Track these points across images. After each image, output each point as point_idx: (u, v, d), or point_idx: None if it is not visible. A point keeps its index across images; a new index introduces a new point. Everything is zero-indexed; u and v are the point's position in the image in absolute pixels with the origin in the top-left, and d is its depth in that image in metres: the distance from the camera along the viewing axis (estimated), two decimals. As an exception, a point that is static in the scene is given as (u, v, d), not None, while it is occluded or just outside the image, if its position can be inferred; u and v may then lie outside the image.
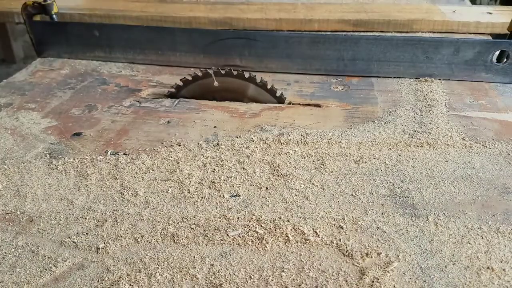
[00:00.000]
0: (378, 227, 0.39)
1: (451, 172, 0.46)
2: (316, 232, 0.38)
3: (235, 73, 0.59)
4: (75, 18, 0.88)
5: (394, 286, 0.33)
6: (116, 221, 0.40)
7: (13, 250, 0.37)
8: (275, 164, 0.47)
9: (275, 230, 0.38)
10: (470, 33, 0.84)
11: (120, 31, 0.72)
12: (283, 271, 0.35)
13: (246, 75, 0.59)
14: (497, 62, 0.63)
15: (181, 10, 0.92)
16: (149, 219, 0.40)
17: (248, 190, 0.44)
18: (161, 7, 0.94)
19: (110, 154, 0.50)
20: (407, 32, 0.85)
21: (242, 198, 0.43)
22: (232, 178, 0.45)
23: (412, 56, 0.65)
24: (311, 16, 0.87)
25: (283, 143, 0.51)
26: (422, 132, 0.52)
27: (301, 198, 0.42)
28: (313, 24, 0.86)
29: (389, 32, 0.85)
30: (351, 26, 0.86)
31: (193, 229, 0.39)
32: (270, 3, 0.96)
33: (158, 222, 0.40)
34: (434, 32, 0.84)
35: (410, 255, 0.36)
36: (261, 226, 0.39)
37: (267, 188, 0.44)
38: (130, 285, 0.34)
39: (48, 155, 0.49)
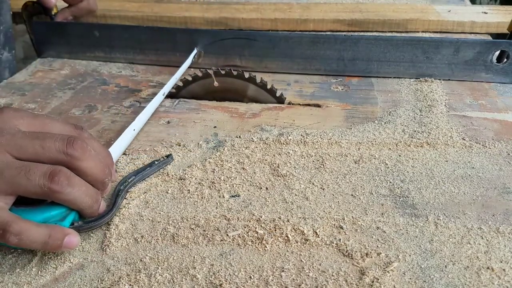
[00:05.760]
0: (378, 227, 0.39)
1: (451, 172, 0.46)
2: (316, 232, 0.38)
3: (235, 73, 0.59)
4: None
5: (394, 286, 0.33)
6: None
7: (13, 250, 0.37)
8: (275, 164, 0.47)
9: (275, 230, 0.38)
10: (465, 33, 0.84)
11: (120, 31, 0.73)
12: (283, 271, 0.35)
13: (246, 75, 0.59)
14: (497, 62, 0.63)
15: (176, 10, 0.92)
16: (149, 219, 0.40)
17: (248, 190, 0.44)
18: (157, 7, 0.94)
19: (110, 154, 0.50)
20: (401, 32, 0.85)
21: (242, 198, 0.43)
22: (232, 178, 0.45)
23: (412, 56, 0.65)
24: (306, 16, 0.87)
25: (283, 143, 0.51)
26: (422, 132, 0.52)
27: (301, 198, 0.42)
28: (308, 24, 0.86)
29: (384, 32, 0.85)
30: (346, 26, 0.86)
31: (193, 229, 0.39)
32: (266, 3, 0.96)
33: (158, 222, 0.40)
34: (429, 32, 0.84)
35: (410, 255, 0.36)
36: (261, 226, 0.39)
37: (267, 188, 0.44)
38: (130, 285, 0.34)
39: (48, 155, 0.49)
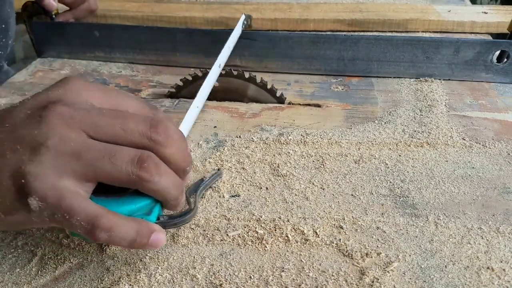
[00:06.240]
0: (378, 227, 0.39)
1: (451, 172, 0.46)
2: (316, 232, 0.38)
3: (235, 73, 0.59)
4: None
5: (394, 286, 0.33)
6: (116, 221, 0.40)
7: (13, 250, 0.37)
8: (275, 164, 0.47)
9: (275, 230, 0.38)
10: (465, 33, 0.84)
11: (120, 31, 0.73)
12: (283, 271, 0.35)
13: (246, 75, 0.59)
14: (497, 62, 0.63)
15: (176, 10, 0.92)
16: (149, 219, 0.40)
17: (248, 190, 0.44)
18: (157, 7, 0.94)
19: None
20: (401, 32, 0.85)
21: (242, 198, 0.43)
22: (232, 178, 0.45)
23: (412, 56, 0.65)
24: (306, 16, 0.87)
25: (283, 143, 0.51)
26: (422, 132, 0.52)
27: (301, 198, 0.42)
28: (308, 24, 0.86)
29: (384, 31, 0.85)
30: (346, 25, 0.86)
31: (193, 229, 0.39)
32: (266, 3, 0.96)
33: (158, 222, 0.40)
34: (429, 32, 0.84)
35: (410, 255, 0.36)
36: (261, 226, 0.39)
37: (267, 188, 0.44)
38: (130, 285, 0.34)
39: (48, 155, 0.49)
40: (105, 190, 0.31)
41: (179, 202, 0.34)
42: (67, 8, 0.79)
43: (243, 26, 0.65)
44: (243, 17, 0.64)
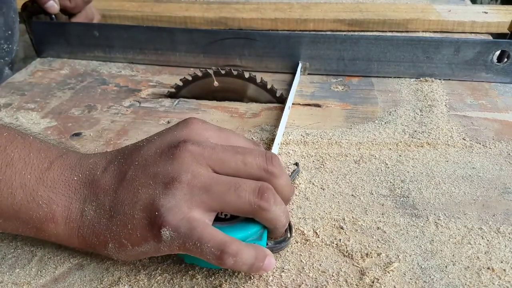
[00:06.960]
0: (378, 228, 0.39)
1: (452, 172, 0.45)
2: (316, 233, 0.38)
3: (235, 73, 0.59)
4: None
5: (395, 287, 0.33)
6: (116, 221, 0.40)
7: (12, 250, 0.37)
8: (275, 164, 0.47)
9: (275, 230, 0.38)
10: (466, 33, 0.84)
11: (120, 31, 0.72)
12: (283, 271, 0.35)
13: (246, 75, 0.59)
14: (497, 62, 0.63)
15: (176, 9, 0.92)
16: (149, 219, 0.40)
17: (248, 190, 0.43)
18: (157, 6, 0.94)
19: (110, 154, 0.49)
20: (402, 31, 0.85)
21: (242, 198, 0.42)
22: (232, 178, 0.45)
23: (412, 56, 0.65)
24: (306, 16, 0.87)
25: (283, 143, 0.51)
26: (423, 132, 0.52)
27: (301, 198, 0.42)
28: (308, 23, 0.86)
29: (385, 31, 0.85)
30: (346, 25, 0.86)
31: (193, 229, 0.39)
32: (266, 3, 0.96)
33: (158, 222, 0.40)
34: (430, 32, 0.84)
35: (410, 256, 0.36)
36: (261, 226, 0.39)
37: (267, 188, 0.44)
38: (130, 285, 0.34)
39: (47, 155, 0.49)
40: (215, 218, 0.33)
41: (283, 230, 0.36)
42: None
43: (301, 73, 0.67)
44: (300, 65, 0.67)
